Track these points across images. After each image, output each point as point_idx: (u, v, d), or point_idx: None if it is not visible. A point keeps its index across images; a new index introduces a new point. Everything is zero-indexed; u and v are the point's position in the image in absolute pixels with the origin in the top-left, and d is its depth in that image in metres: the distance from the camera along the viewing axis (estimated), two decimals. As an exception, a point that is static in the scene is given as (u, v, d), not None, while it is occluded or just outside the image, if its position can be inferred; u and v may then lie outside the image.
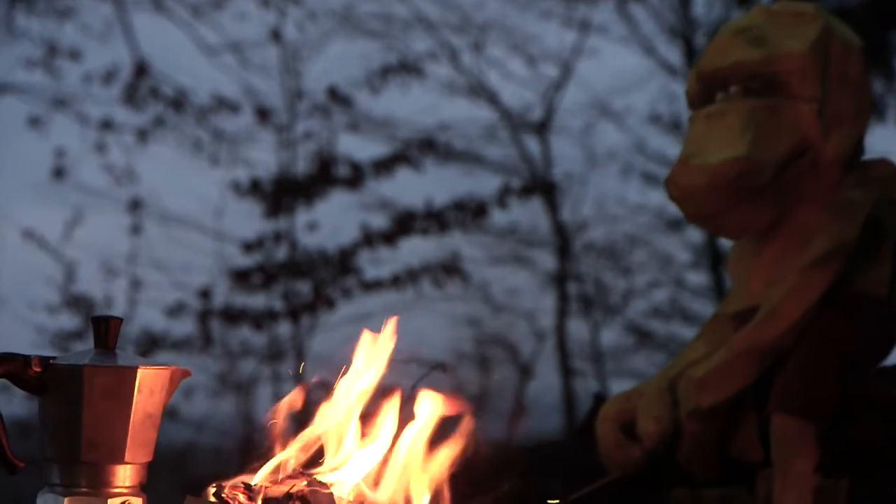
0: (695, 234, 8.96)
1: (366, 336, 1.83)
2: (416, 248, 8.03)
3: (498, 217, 8.28)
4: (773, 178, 2.39)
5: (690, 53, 8.82)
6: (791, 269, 2.35)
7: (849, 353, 2.29)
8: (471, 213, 8.08)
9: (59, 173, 7.98)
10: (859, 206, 2.37)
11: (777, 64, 2.40)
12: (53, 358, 1.68)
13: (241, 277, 7.87)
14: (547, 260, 8.85)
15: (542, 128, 8.82)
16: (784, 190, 2.41)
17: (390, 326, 1.83)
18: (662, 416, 2.46)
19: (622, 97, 9.15)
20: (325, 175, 7.98)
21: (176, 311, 7.89)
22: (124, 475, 1.68)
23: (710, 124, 2.43)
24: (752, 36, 2.44)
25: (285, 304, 7.90)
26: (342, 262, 7.89)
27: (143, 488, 1.71)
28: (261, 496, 1.69)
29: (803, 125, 2.38)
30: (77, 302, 7.81)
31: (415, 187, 8.10)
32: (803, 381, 2.28)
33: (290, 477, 1.73)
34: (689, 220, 2.54)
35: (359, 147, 8.19)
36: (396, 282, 7.92)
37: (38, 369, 1.66)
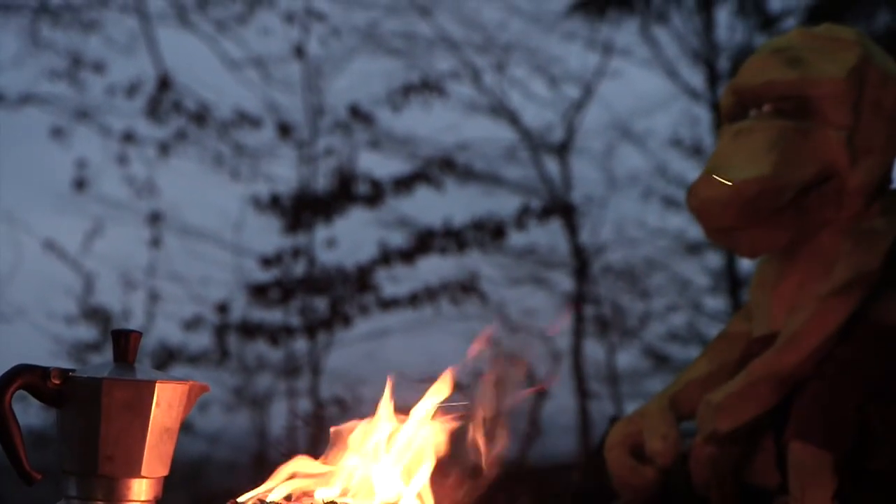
0: (713, 259, 8.95)
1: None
2: (435, 267, 8.05)
3: (516, 238, 8.29)
4: (794, 201, 2.39)
5: (713, 77, 8.83)
6: (812, 297, 2.34)
7: (869, 382, 2.28)
8: (489, 233, 8.09)
9: (80, 184, 8.02)
10: (882, 236, 2.37)
11: (811, 87, 2.39)
12: (72, 370, 1.68)
13: (258, 292, 7.88)
14: (565, 281, 8.86)
15: (562, 149, 8.83)
16: (804, 214, 2.40)
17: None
18: (668, 433, 2.46)
19: (644, 120, 9.18)
20: (345, 192, 7.99)
21: (193, 324, 7.91)
22: (140, 489, 1.68)
23: (737, 140, 2.43)
24: (789, 57, 2.43)
25: (302, 319, 7.91)
26: (360, 280, 7.90)
27: (158, 502, 1.71)
28: (276, 514, 1.69)
29: (831, 151, 2.38)
30: (95, 313, 7.83)
31: (434, 206, 8.12)
32: (822, 410, 2.27)
33: (305, 495, 1.73)
34: (706, 233, 2.53)
35: (379, 165, 8.22)
36: (414, 300, 7.93)
37: (56, 381, 1.66)
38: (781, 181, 2.36)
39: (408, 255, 7.96)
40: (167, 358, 7.73)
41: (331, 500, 1.71)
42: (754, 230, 2.42)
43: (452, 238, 8.01)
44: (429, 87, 8.27)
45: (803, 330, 2.31)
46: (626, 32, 8.86)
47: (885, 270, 2.34)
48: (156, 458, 1.68)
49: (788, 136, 2.38)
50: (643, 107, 8.97)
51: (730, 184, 2.37)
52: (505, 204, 8.33)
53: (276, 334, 7.85)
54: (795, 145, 2.38)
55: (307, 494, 1.74)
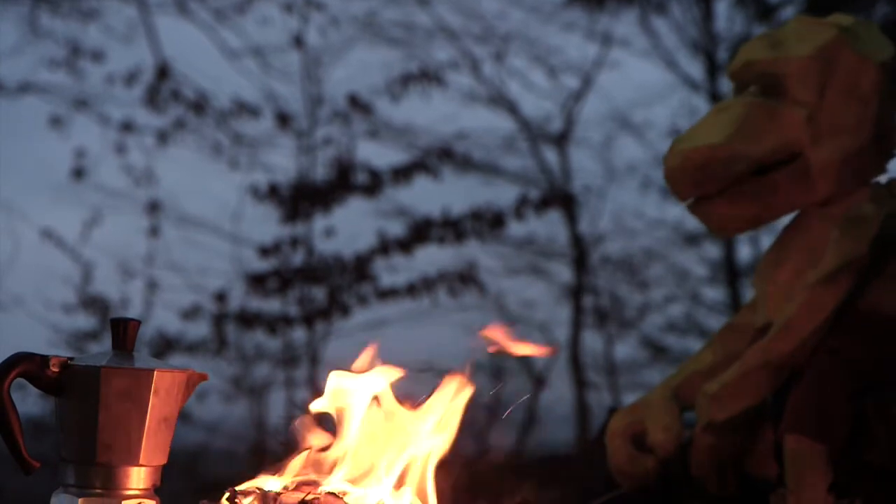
0: (712, 250, 8.95)
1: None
2: (433, 257, 8.04)
3: (515, 228, 8.29)
4: (753, 175, 2.41)
5: (712, 68, 8.82)
6: (802, 286, 2.35)
7: (862, 372, 2.28)
8: (488, 223, 8.08)
9: (78, 174, 8.01)
10: (869, 221, 2.36)
11: (780, 66, 2.42)
12: (71, 358, 1.68)
13: (257, 282, 7.88)
14: (563, 272, 8.85)
15: (561, 139, 8.82)
16: (767, 192, 2.43)
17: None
18: (671, 424, 2.47)
19: (643, 110, 9.18)
20: (344, 181, 7.99)
21: (191, 313, 7.90)
22: (138, 477, 1.68)
23: (714, 115, 2.48)
24: (773, 40, 2.47)
25: (300, 309, 7.91)
26: (358, 269, 7.89)
27: (156, 490, 1.71)
28: (275, 502, 1.68)
29: (790, 128, 2.40)
30: (93, 302, 7.83)
31: (433, 196, 8.11)
32: (814, 402, 2.27)
33: (304, 484, 1.73)
34: (687, 208, 2.57)
35: (378, 154, 8.21)
36: (412, 290, 7.93)
37: (55, 370, 1.66)
38: (730, 151, 2.39)
39: (406, 245, 7.95)
40: (165, 347, 7.74)
41: (330, 490, 1.71)
42: (719, 203, 2.45)
43: (450, 228, 8.01)
44: (428, 76, 8.26)
45: (794, 319, 2.32)
46: (625, 23, 8.86)
47: (873, 257, 2.33)
48: (154, 446, 1.68)
49: (754, 111, 2.42)
50: (642, 97, 8.98)
51: (682, 152, 2.41)
52: (504, 194, 8.33)
53: (275, 324, 7.85)
54: (756, 120, 2.41)
55: (308, 484, 1.74)
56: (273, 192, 7.95)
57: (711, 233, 2.61)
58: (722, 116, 2.45)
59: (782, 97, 2.42)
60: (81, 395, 1.66)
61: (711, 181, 2.42)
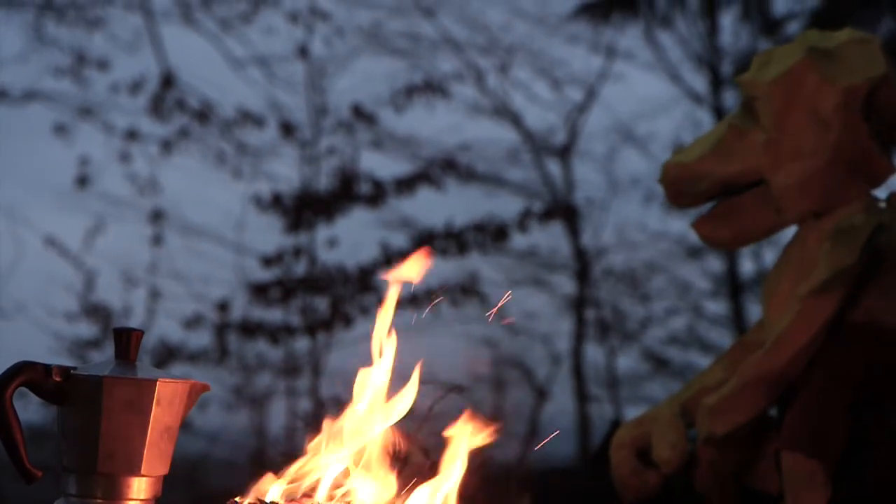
0: (714, 263, 8.95)
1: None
2: (435, 269, 8.04)
3: (518, 240, 8.29)
4: (720, 196, 2.46)
5: (716, 81, 8.83)
6: (795, 298, 2.35)
7: (858, 385, 2.28)
8: (491, 234, 8.08)
9: (82, 181, 8.02)
10: (860, 231, 2.36)
11: (752, 88, 2.44)
12: (74, 368, 1.68)
13: (259, 291, 7.88)
14: (566, 284, 8.86)
15: (564, 151, 8.83)
16: (737, 213, 2.46)
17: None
18: (677, 441, 2.47)
19: (646, 123, 9.18)
20: (347, 192, 7.99)
21: (194, 322, 7.90)
22: (140, 487, 1.68)
23: (708, 132, 2.53)
24: (766, 59, 2.48)
25: (303, 319, 7.90)
26: (361, 280, 7.89)
27: (157, 500, 1.71)
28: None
29: (754, 152, 2.42)
30: (95, 310, 7.83)
31: (436, 207, 8.12)
32: (810, 418, 2.26)
33: (305, 495, 1.73)
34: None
35: (381, 165, 8.22)
36: (414, 301, 7.92)
37: (58, 379, 1.66)
38: (697, 170, 2.44)
39: (409, 257, 7.94)
40: (167, 356, 7.73)
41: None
42: (701, 219, 2.51)
43: (453, 239, 8.01)
44: (432, 87, 8.27)
45: (787, 331, 2.31)
46: (629, 36, 8.87)
47: (865, 267, 2.32)
48: (156, 456, 1.68)
49: (728, 132, 2.45)
50: (646, 110, 8.99)
51: (663, 166, 2.48)
52: (507, 206, 8.34)
53: (277, 333, 7.85)
54: (728, 141, 2.45)
55: (308, 496, 1.74)
56: (276, 202, 7.96)
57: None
58: (708, 134, 2.50)
59: (755, 120, 2.44)
60: (84, 405, 1.66)
61: (684, 196, 2.49)
